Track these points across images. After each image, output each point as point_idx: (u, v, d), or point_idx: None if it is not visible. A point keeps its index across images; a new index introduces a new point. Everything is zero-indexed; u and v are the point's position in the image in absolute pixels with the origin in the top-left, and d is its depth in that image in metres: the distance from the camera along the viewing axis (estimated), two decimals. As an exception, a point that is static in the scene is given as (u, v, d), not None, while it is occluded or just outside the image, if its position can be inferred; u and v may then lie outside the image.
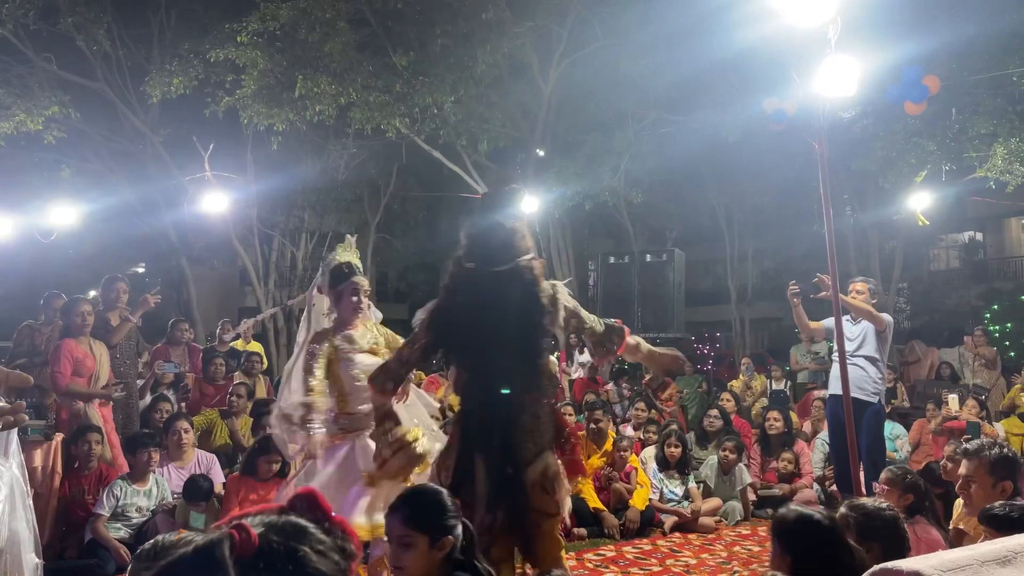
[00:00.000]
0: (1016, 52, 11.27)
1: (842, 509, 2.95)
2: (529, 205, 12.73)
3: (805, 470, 7.06)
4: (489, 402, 3.17)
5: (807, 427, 8.48)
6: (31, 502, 2.58)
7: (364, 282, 4.05)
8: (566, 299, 3.34)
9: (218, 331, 9.24)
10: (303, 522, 1.02)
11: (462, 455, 3.22)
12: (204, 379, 7.65)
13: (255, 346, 9.94)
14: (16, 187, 13.80)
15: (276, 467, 5.18)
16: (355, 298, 3.97)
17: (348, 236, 4.25)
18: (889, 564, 1.64)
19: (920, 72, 6.30)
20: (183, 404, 7.27)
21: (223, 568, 0.90)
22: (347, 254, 4.04)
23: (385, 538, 2.74)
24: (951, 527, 3.88)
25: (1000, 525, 2.70)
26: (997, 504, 2.90)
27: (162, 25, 14.14)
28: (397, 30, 12.76)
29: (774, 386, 11.01)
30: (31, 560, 2.63)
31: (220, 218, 13.68)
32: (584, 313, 3.46)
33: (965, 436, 6.35)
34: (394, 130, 12.63)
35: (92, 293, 6.70)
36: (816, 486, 7.12)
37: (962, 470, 3.42)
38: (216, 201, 11.92)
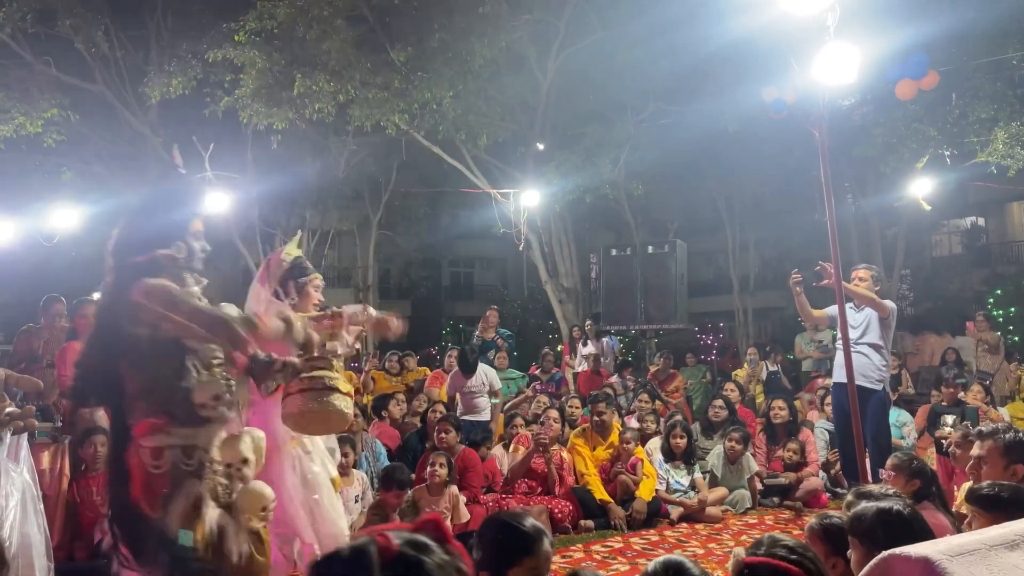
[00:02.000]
0: (1015, 36, 11.24)
1: (849, 496, 2.96)
2: (530, 199, 12.75)
3: (811, 458, 7.07)
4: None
5: (811, 415, 8.49)
6: (42, 506, 2.61)
7: (321, 279, 4.10)
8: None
9: None
10: (428, 540, 1.19)
11: None
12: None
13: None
14: (17, 191, 13.82)
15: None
16: (317, 293, 3.99)
17: (299, 231, 4.31)
18: (898, 550, 1.65)
19: (925, 60, 6.29)
20: None
21: (371, 565, 1.10)
22: (297, 249, 4.06)
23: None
24: (954, 509, 3.89)
25: (988, 505, 2.72)
26: (985, 484, 2.91)
27: (159, 26, 14.14)
28: (394, 26, 12.75)
29: (770, 367, 11.03)
30: (42, 563, 2.66)
31: (222, 218, 13.69)
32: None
33: (966, 423, 6.34)
34: (393, 126, 12.63)
35: (96, 295, 6.72)
36: (822, 473, 7.14)
37: (975, 451, 3.42)
38: (217, 201, 11.90)
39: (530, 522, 2.35)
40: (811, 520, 2.82)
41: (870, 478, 5.02)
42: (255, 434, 3.09)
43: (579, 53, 13.16)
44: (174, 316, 2.79)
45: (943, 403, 7.01)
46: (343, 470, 5.69)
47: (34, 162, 14.60)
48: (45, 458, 5.19)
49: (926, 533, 2.31)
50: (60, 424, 5.44)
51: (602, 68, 13.27)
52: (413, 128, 13.14)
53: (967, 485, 4.01)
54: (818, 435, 7.59)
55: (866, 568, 1.69)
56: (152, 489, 2.76)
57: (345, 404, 3.27)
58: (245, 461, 2.89)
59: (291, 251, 4.00)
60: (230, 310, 3.15)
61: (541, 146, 14.28)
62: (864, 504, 2.53)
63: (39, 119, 12.23)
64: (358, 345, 4.07)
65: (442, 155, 14.15)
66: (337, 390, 3.19)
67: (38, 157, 14.28)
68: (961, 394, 7.30)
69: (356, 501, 5.61)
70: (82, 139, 14.31)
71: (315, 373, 3.19)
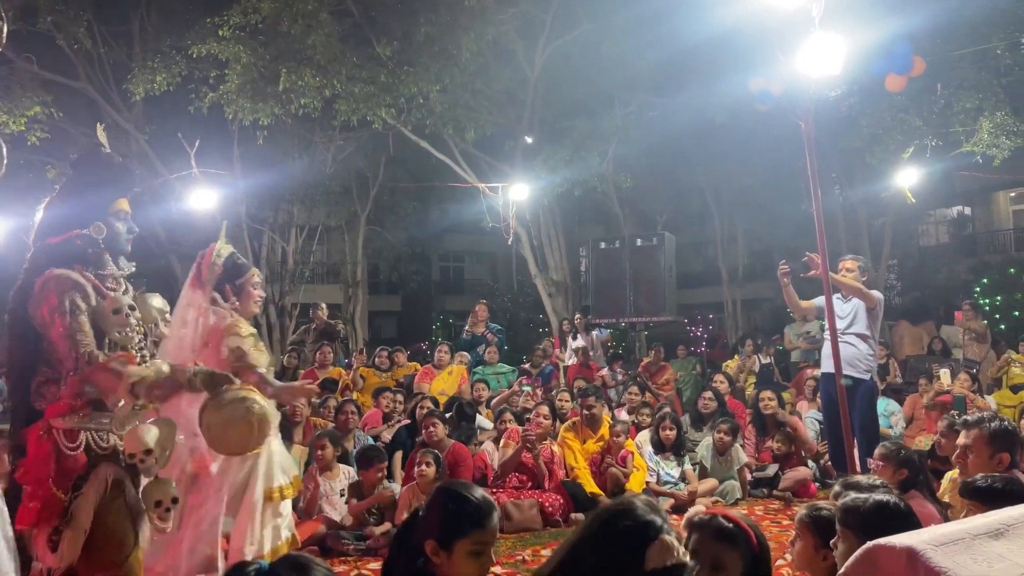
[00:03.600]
0: (999, 25, 11.28)
1: (837, 487, 2.97)
2: (519, 192, 12.74)
3: (804, 436, 7.11)
4: None
5: (801, 406, 8.53)
6: (10, 530, 2.63)
7: (259, 273, 3.93)
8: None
9: None
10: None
11: None
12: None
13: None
14: (1, 189, 13.70)
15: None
16: (257, 290, 3.85)
17: (224, 221, 4.07)
18: (882, 540, 1.65)
19: (909, 48, 6.30)
20: None
21: None
22: (227, 245, 3.84)
23: None
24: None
25: (983, 497, 2.72)
26: (979, 476, 2.92)
27: (143, 22, 14.03)
28: (380, 20, 12.68)
29: (762, 360, 11.09)
30: (8, 565, 2.66)
31: (209, 215, 13.61)
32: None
33: (953, 412, 6.38)
34: (380, 121, 12.57)
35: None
36: (812, 464, 7.17)
37: (961, 440, 3.44)
38: (204, 198, 11.86)
39: (481, 495, 2.34)
40: (800, 511, 2.82)
41: (858, 467, 5.05)
42: (162, 426, 2.95)
43: (566, 46, 13.14)
44: (57, 323, 2.74)
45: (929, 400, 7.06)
46: (325, 464, 5.70)
47: (18, 161, 14.46)
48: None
49: (919, 526, 2.32)
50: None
51: (589, 61, 13.25)
52: (400, 123, 13.09)
53: (951, 475, 4.04)
54: (808, 425, 7.63)
55: (851, 559, 1.70)
56: (64, 470, 2.74)
57: (258, 407, 3.09)
58: (148, 452, 2.78)
59: (222, 249, 3.76)
60: (155, 300, 3.11)
61: (529, 140, 14.26)
62: (855, 496, 2.54)
63: (22, 117, 12.12)
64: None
65: (430, 150, 14.10)
66: (247, 399, 3.06)
67: (22, 155, 14.14)
68: (947, 383, 7.34)
69: (341, 495, 5.62)
70: (66, 137, 14.18)
71: (226, 396, 3.06)
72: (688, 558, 1.87)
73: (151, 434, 2.81)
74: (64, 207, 2.97)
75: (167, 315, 3.31)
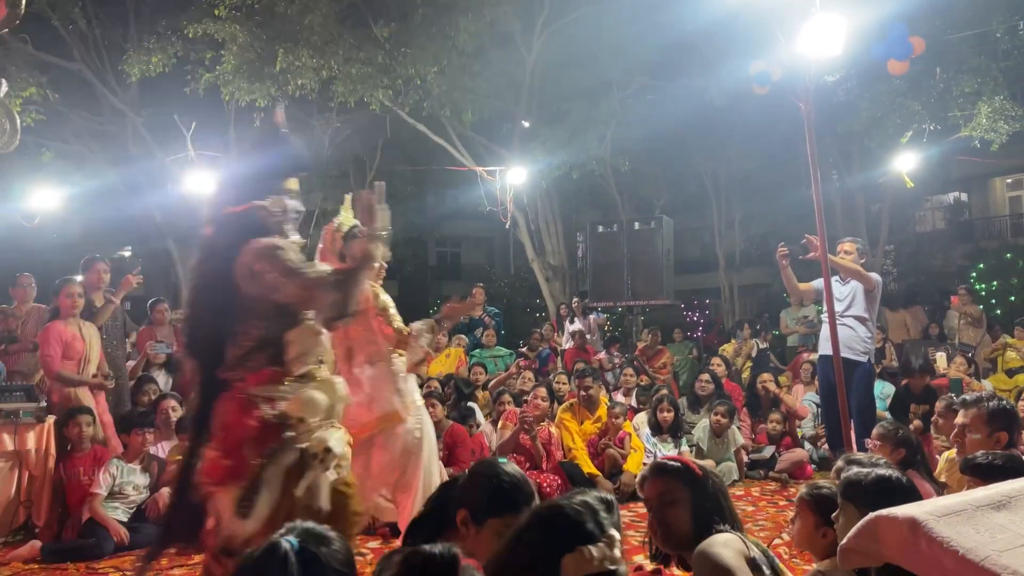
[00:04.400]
0: (999, 9, 11.25)
1: (839, 463, 2.98)
2: (517, 176, 12.70)
3: (801, 413, 7.18)
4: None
5: (797, 390, 8.55)
6: None
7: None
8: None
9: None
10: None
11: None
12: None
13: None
14: (-4, 171, 13.64)
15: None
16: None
17: (346, 196, 4.12)
18: (884, 511, 1.66)
19: (905, 30, 6.28)
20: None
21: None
22: (350, 216, 3.94)
23: None
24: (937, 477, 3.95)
25: (984, 474, 2.74)
26: (979, 453, 2.94)
27: (138, 2, 13.91)
28: (378, 1, 12.60)
29: (760, 345, 11.12)
30: None
31: (205, 198, 13.54)
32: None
33: (950, 394, 6.42)
34: (377, 103, 12.51)
35: (79, 278, 6.63)
36: (808, 446, 7.21)
37: (959, 419, 3.46)
38: (201, 181, 11.78)
39: (523, 478, 2.29)
40: (801, 490, 2.84)
41: (855, 449, 5.08)
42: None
43: (564, 28, 13.07)
44: (288, 285, 2.72)
45: (911, 391, 7.13)
46: None
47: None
48: (30, 438, 5.17)
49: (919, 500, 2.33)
50: (45, 404, 5.40)
51: (587, 43, 13.18)
52: (397, 105, 13.02)
53: (947, 455, 4.06)
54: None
55: (853, 530, 1.70)
56: (263, 436, 2.70)
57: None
58: (301, 421, 2.77)
59: (345, 220, 3.87)
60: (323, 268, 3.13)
61: (527, 123, 14.19)
62: (857, 470, 2.56)
63: (17, 98, 12.03)
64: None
65: (427, 132, 14.05)
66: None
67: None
68: (943, 366, 7.38)
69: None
70: (62, 119, 14.10)
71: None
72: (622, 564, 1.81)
73: (314, 402, 2.79)
74: (240, 181, 2.97)
75: None
